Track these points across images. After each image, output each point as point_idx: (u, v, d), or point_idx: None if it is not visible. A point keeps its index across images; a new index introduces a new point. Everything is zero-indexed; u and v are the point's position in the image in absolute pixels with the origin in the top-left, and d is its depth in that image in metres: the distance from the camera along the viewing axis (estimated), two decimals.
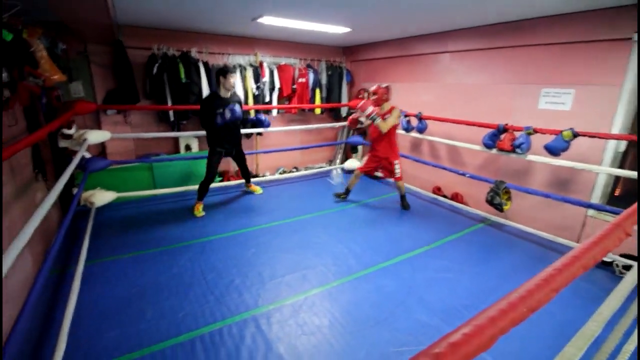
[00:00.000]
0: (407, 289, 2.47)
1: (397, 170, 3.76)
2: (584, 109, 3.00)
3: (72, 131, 3.23)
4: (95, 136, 3.31)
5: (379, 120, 3.46)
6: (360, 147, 5.69)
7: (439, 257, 2.92)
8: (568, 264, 0.63)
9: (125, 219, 3.57)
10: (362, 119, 3.70)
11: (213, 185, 4.33)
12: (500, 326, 0.46)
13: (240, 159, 3.88)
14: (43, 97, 2.81)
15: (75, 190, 3.41)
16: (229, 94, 3.43)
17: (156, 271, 2.59)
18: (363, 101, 3.53)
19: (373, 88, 3.60)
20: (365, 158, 3.99)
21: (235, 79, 3.60)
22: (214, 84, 4.40)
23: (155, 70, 4.02)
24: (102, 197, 3.53)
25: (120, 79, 4.01)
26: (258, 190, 4.32)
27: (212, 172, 3.57)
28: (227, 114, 3.26)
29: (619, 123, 2.80)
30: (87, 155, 3.51)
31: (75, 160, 2.55)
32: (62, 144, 3.23)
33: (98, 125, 4.10)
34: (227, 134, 3.49)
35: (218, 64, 4.45)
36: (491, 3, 2.75)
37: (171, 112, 4.22)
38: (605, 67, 2.84)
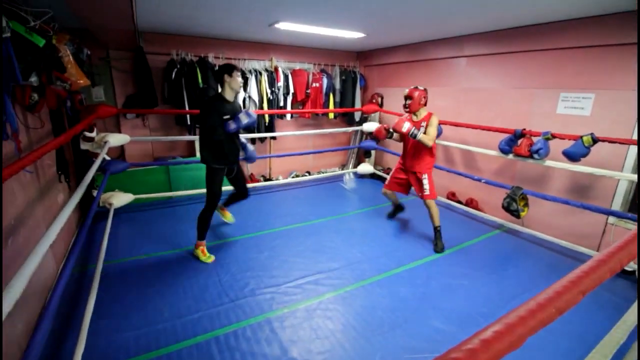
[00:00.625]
0: (422, 295, 2.44)
1: (426, 186, 3.12)
2: (605, 114, 2.93)
3: (93, 134, 3.34)
4: (115, 139, 3.42)
5: (420, 135, 2.88)
6: (373, 152, 5.68)
7: (454, 264, 2.88)
8: (595, 267, 0.62)
9: (143, 221, 3.65)
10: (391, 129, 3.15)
11: (226, 188, 4.39)
12: (530, 326, 0.46)
13: (241, 177, 3.06)
14: (68, 100, 2.92)
15: (95, 192, 3.51)
16: (234, 97, 2.72)
17: (173, 272, 2.64)
18: (397, 121, 2.93)
19: (407, 91, 3.04)
20: (393, 170, 3.43)
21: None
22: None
23: (173, 75, 4.13)
24: (120, 198, 3.63)
25: (140, 83, 4.13)
26: (230, 218, 3.49)
27: (217, 197, 2.81)
28: (244, 119, 2.57)
29: None
30: (107, 157, 3.62)
31: (97, 163, 2.64)
32: (84, 146, 3.34)
33: (118, 129, 4.23)
34: (231, 146, 2.76)
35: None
36: (506, 8, 2.73)
37: (188, 116, 4.31)
38: (626, 72, 2.77)
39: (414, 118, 3.07)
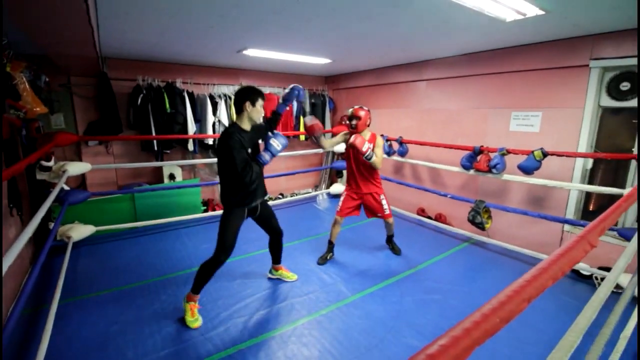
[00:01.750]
0: (396, 313, 2.45)
1: (386, 206, 3.14)
2: (552, 130, 3.19)
3: (51, 163, 3.16)
4: (75, 168, 3.26)
5: (374, 157, 2.82)
6: (344, 171, 5.78)
7: (426, 279, 2.93)
8: (537, 276, 0.67)
9: (105, 253, 3.44)
10: (318, 135, 2.86)
11: (197, 215, 4.28)
12: (475, 337, 0.49)
13: (269, 217, 2.58)
14: (23, 129, 2.78)
15: (51, 225, 3.29)
16: (250, 126, 2.26)
17: (137, 307, 2.48)
18: (358, 139, 2.75)
19: (351, 111, 2.98)
20: (341, 198, 3.23)
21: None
22: (198, 113, 4.47)
23: (139, 100, 4.06)
24: (80, 231, 3.42)
25: (103, 110, 4.01)
26: (292, 275, 2.91)
27: (229, 248, 2.27)
28: (278, 144, 2.22)
29: (584, 142, 2.99)
30: (66, 187, 3.43)
31: (54, 194, 2.49)
32: (40, 176, 3.15)
33: (79, 157, 4.04)
34: (260, 180, 2.37)
35: (203, 94, 4.53)
36: (459, 37, 2.98)
37: (155, 142, 4.22)
38: (568, 91, 3.07)
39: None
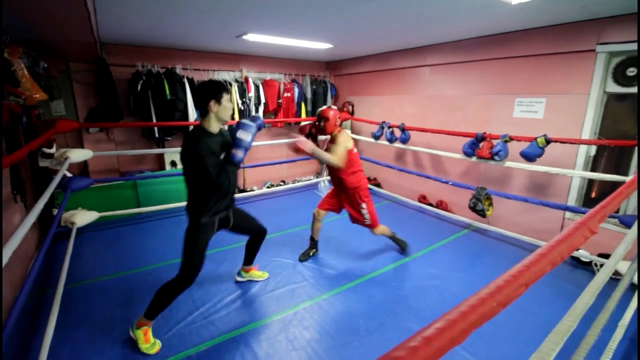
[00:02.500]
0: (396, 297, 2.48)
1: (367, 216, 2.81)
2: (556, 116, 3.15)
3: (52, 150, 3.17)
4: (77, 155, 3.26)
5: (327, 157, 2.53)
6: None
7: (426, 265, 2.96)
8: (535, 261, 0.67)
9: (108, 239, 3.48)
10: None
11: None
12: (471, 320, 0.49)
13: (247, 220, 2.35)
14: (24, 116, 2.77)
15: (55, 211, 3.32)
16: (218, 128, 1.97)
17: (140, 292, 2.52)
18: (300, 139, 2.50)
19: (319, 111, 2.71)
20: (328, 192, 3.05)
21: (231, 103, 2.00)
22: None
23: (139, 87, 4.02)
24: (83, 217, 3.44)
25: (103, 96, 3.98)
26: (264, 274, 2.74)
27: (196, 269, 1.95)
28: (245, 135, 1.91)
29: (588, 129, 2.96)
30: (69, 174, 3.44)
31: (56, 180, 2.50)
32: (43, 163, 3.16)
33: (80, 144, 4.04)
34: (228, 190, 2.03)
35: (204, 80, 4.47)
36: (464, 20, 2.90)
37: (156, 129, 4.20)
38: (573, 77, 3.01)
39: (333, 139, 2.73)
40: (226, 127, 2.19)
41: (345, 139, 2.67)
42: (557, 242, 0.78)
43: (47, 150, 3.10)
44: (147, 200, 4.12)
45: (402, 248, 3.13)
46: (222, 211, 2.06)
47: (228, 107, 1.93)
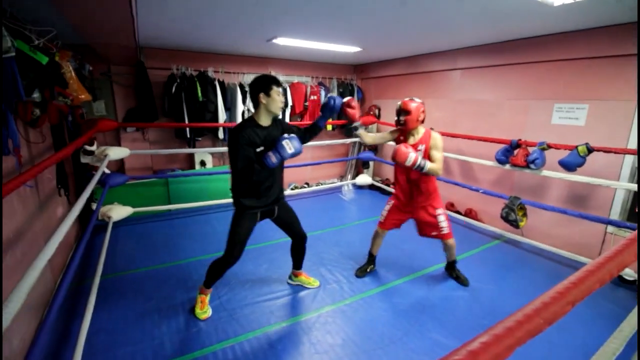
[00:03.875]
0: (422, 307, 2.42)
1: (444, 224, 2.53)
2: (599, 124, 2.97)
3: (93, 148, 3.37)
4: (115, 152, 3.45)
5: (428, 165, 2.26)
6: (371, 163, 5.71)
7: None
8: (583, 278, 0.63)
9: (141, 234, 3.65)
10: (358, 127, 2.55)
11: (226, 200, 4.41)
12: (517, 336, 0.47)
13: (290, 220, 2.39)
14: (69, 115, 2.96)
15: (94, 205, 3.52)
16: (270, 121, 2.07)
17: (171, 286, 2.62)
18: (401, 149, 2.24)
19: (400, 104, 2.41)
20: (386, 207, 2.73)
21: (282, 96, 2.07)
22: (228, 102, 4.56)
23: (174, 89, 4.20)
24: (119, 211, 3.63)
25: (140, 98, 4.19)
26: (314, 281, 2.69)
27: (238, 248, 2.17)
28: (289, 148, 1.93)
29: (635, 138, 2.76)
30: (107, 170, 3.64)
31: (97, 176, 2.66)
32: (84, 159, 3.37)
33: (118, 142, 4.27)
34: (269, 181, 2.12)
35: (234, 82, 4.61)
36: (500, 23, 2.80)
37: (188, 129, 4.36)
38: (619, 82, 2.83)
39: (410, 139, 2.44)
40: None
41: (442, 140, 2.38)
42: (607, 259, 0.73)
43: (88, 148, 3.31)
44: (178, 197, 4.28)
45: (458, 276, 2.76)
46: (263, 206, 2.15)
47: (277, 99, 1.98)
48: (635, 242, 0.88)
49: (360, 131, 2.60)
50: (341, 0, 2.31)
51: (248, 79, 4.75)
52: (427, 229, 2.61)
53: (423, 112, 2.40)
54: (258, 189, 2.10)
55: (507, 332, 0.46)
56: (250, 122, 2.02)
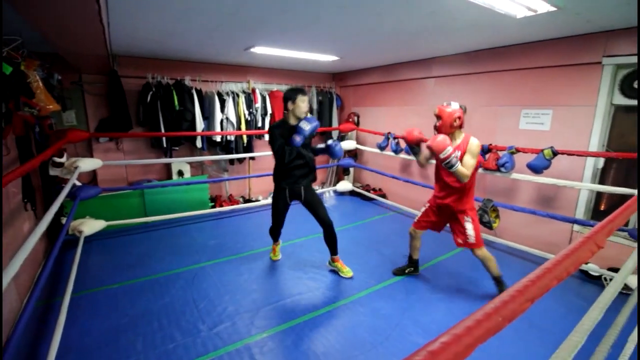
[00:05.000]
0: (402, 311, 2.45)
1: (471, 232, 2.44)
2: (562, 128, 3.14)
3: (63, 159, 3.24)
4: (86, 164, 3.32)
5: (458, 166, 2.25)
6: (351, 169, 5.78)
7: (432, 278, 2.93)
8: (541, 276, 0.67)
9: (115, 248, 3.51)
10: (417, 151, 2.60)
11: (205, 211, 4.34)
12: (477, 335, 0.49)
13: (315, 203, 2.81)
14: (37, 126, 2.84)
15: (64, 220, 3.37)
16: (297, 121, 2.62)
17: (147, 301, 2.54)
18: (440, 137, 2.25)
19: (436, 109, 2.41)
20: (423, 208, 2.79)
21: (306, 103, 2.60)
22: (206, 110, 4.51)
23: (149, 98, 4.11)
24: (91, 225, 3.49)
25: (113, 107, 4.08)
26: (348, 272, 2.92)
27: (276, 218, 2.93)
28: (305, 126, 2.49)
29: (595, 141, 2.94)
30: (78, 183, 3.50)
31: (66, 189, 2.55)
32: (53, 172, 3.23)
33: (90, 153, 4.12)
34: (298, 166, 2.68)
35: (211, 91, 4.57)
36: (469, 34, 2.94)
37: (164, 139, 4.27)
38: (579, 89, 3.02)
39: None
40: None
41: (478, 147, 2.33)
42: (564, 256, 0.77)
43: (57, 160, 3.17)
44: (154, 209, 4.16)
45: (499, 290, 2.60)
46: (290, 182, 2.71)
47: (301, 106, 2.56)
48: (590, 239, 0.95)
49: (421, 157, 2.70)
50: (317, 11, 2.36)
51: (226, 87, 4.72)
52: (456, 235, 2.57)
53: (459, 117, 2.34)
54: (288, 173, 2.68)
55: (467, 331, 0.48)
56: (281, 122, 2.64)
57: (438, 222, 2.68)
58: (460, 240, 2.53)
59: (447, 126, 2.35)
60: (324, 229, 2.84)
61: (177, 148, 4.50)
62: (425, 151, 2.56)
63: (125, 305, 2.48)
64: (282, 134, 2.55)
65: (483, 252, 2.50)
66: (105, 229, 3.66)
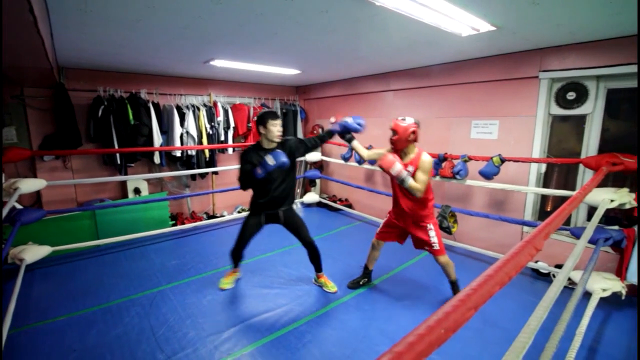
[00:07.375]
0: (369, 321, 2.46)
1: (434, 239, 2.52)
2: (508, 137, 3.39)
3: None
4: (28, 185, 3.04)
5: (410, 181, 2.30)
6: (318, 181, 5.80)
7: (397, 285, 2.98)
8: (483, 283, 0.70)
9: (62, 276, 3.22)
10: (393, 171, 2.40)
11: (164, 230, 4.13)
12: (419, 350, 0.50)
13: (296, 226, 2.78)
14: None
15: (2, 247, 3.03)
16: (273, 144, 2.56)
17: (97, 332, 2.33)
18: (386, 156, 2.33)
19: (392, 123, 2.47)
20: (385, 219, 2.84)
21: (279, 126, 2.54)
22: (165, 125, 4.34)
23: (100, 112, 3.88)
24: (34, 252, 3.17)
25: (60, 122, 3.80)
26: (332, 287, 2.90)
27: (240, 239, 2.78)
28: (271, 160, 2.37)
29: (537, 148, 3.20)
30: (18, 206, 3.20)
31: (3, 214, 2.31)
32: None
33: (33, 173, 3.79)
34: (269, 190, 2.59)
35: (170, 104, 4.41)
36: (420, 51, 3.11)
37: (118, 155, 4.04)
38: (521, 101, 3.28)
39: (404, 158, 2.46)
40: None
41: (429, 164, 2.38)
42: (504, 262, 0.82)
43: None
44: (107, 231, 3.88)
45: (454, 293, 2.67)
46: (266, 209, 2.68)
47: (273, 130, 2.51)
48: (529, 243, 1.01)
49: (355, 143, 2.78)
50: (273, 26, 2.38)
51: (186, 100, 4.59)
52: (421, 244, 2.61)
53: (414, 132, 2.40)
54: (262, 196, 2.62)
55: (409, 348, 0.49)
56: (254, 145, 2.61)
57: (400, 232, 2.72)
58: (426, 247, 2.58)
59: (403, 140, 2.41)
60: (307, 250, 2.83)
61: (132, 165, 4.27)
62: (360, 148, 2.81)
63: (72, 339, 2.26)
64: (252, 158, 2.51)
65: (446, 258, 2.58)
66: (51, 254, 3.35)
